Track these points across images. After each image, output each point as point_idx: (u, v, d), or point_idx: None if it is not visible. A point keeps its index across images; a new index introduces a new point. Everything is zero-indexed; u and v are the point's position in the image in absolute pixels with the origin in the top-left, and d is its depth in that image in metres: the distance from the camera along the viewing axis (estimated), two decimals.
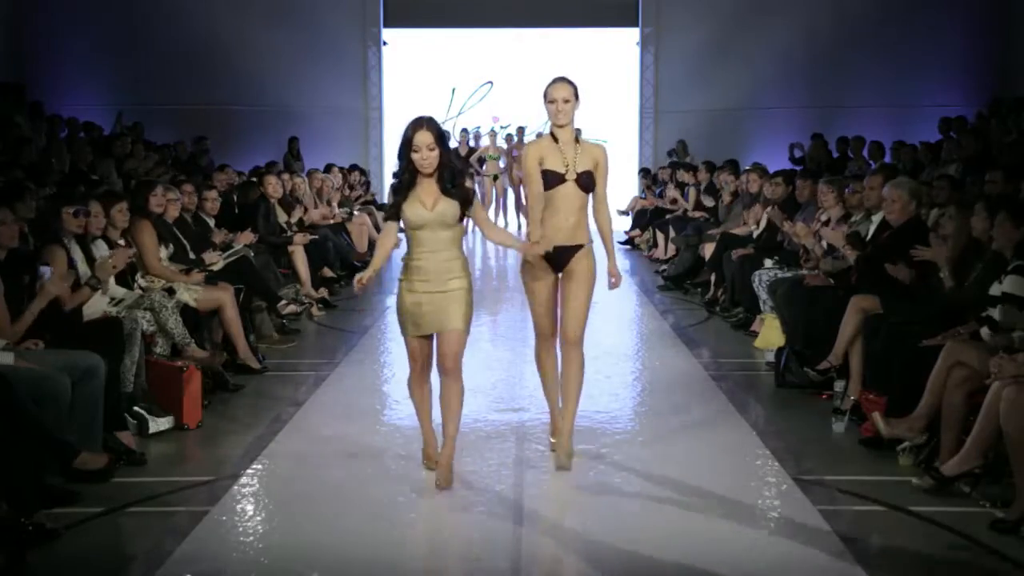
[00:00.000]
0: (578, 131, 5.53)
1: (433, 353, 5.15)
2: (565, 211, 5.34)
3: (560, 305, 5.47)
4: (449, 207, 5.00)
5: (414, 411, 5.36)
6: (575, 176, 5.34)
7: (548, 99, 5.41)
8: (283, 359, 8.12)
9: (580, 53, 18.21)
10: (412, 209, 4.98)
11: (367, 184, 17.08)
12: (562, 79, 5.46)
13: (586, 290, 5.42)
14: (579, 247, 5.40)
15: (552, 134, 5.43)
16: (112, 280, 6.60)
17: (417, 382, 5.25)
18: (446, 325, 5.03)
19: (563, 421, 5.47)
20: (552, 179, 5.33)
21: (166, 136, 16.26)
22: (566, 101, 5.37)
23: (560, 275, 5.45)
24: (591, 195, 5.45)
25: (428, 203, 4.98)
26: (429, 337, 5.10)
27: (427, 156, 4.93)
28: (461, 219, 5.08)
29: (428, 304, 5.00)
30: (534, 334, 5.64)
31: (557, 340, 5.54)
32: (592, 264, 5.43)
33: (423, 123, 4.95)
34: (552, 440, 5.66)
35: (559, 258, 5.38)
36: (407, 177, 5.00)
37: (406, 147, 4.96)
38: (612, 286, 5.56)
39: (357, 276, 5.07)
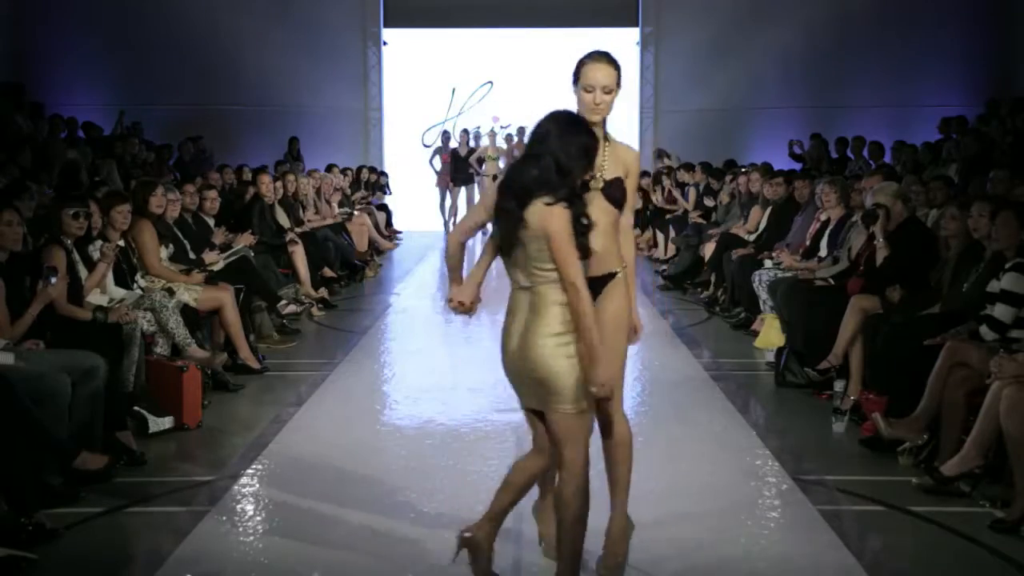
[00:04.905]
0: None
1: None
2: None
3: None
4: None
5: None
6: (602, 184, 3.94)
7: (584, 83, 3.96)
8: (283, 359, 8.13)
9: (580, 53, 18.11)
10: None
11: (384, 186, 17.38)
12: (603, 55, 3.99)
13: (622, 333, 4.06)
14: (609, 276, 4.02)
15: None
16: (111, 280, 6.61)
17: None
18: None
19: (613, 513, 4.18)
20: None
21: (166, 136, 16.26)
22: (607, 91, 3.95)
23: None
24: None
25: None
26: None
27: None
28: None
29: None
30: None
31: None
32: (628, 298, 4.10)
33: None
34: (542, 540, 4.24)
35: None
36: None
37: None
38: (631, 341, 4.13)
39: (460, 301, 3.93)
